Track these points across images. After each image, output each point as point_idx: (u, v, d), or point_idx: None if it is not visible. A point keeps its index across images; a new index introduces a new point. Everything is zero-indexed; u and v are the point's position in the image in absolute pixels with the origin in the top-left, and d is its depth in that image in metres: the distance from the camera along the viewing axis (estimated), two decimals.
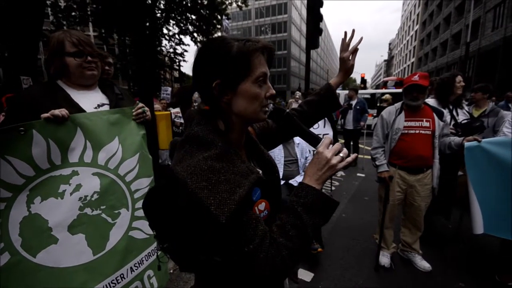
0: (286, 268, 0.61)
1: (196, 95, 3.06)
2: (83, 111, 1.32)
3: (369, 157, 2.71)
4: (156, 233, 0.71)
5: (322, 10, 5.65)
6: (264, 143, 0.92)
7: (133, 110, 1.51)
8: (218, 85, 0.65)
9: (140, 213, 1.46)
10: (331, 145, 0.70)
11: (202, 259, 0.67)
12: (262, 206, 0.70)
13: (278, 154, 2.59)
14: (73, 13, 12.56)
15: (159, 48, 16.70)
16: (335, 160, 0.67)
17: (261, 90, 0.68)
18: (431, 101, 2.78)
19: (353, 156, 0.70)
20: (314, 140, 0.75)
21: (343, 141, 6.51)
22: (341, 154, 0.68)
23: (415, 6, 47.35)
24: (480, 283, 2.27)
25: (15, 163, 1.07)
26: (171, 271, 2.31)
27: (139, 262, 1.44)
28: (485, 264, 2.49)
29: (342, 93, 12.48)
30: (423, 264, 2.44)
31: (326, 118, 3.40)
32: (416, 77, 2.22)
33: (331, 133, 3.38)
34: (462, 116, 2.76)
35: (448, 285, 2.27)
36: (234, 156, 0.66)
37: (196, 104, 3.04)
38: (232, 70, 0.64)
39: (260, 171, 0.80)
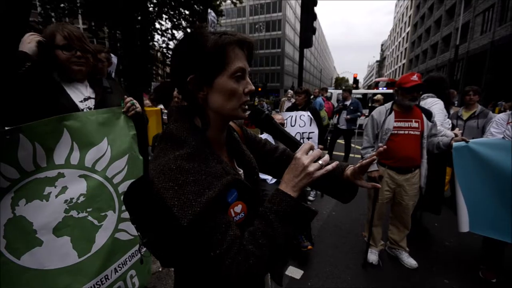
0: (252, 276, 0.59)
1: None
2: (74, 103, 1.32)
3: (360, 156, 2.73)
4: (136, 227, 0.70)
5: (316, 10, 5.67)
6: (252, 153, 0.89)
7: (123, 106, 1.48)
8: (193, 79, 0.63)
9: (126, 214, 1.44)
10: (311, 151, 0.66)
11: (177, 256, 0.67)
12: (238, 208, 0.67)
13: None
14: (61, 5, 12.19)
15: (151, 43, 16.40)
16: (312, 167, 0.63)
17: (238, 86, 0.65)
18: (438, 100, 2.69)
19: (333, 164, 0.66)
20: (293, 145, 0.72)
21: (343, 141, 6.58)
22: (320, 162, 0.64)
23: (407, 8, 48.11)
24: (464, 279, 2.34)
25: (0, 167, 1.05)
26: (160, 269, 2.29)
27: (123, 262, 1.43)
28: (469, 261, 2.56)
29: (334, 92, 12.61)
30: (410, 261, 2.50)
31: (312, 117, 3.41)
32: (415, 77, 2.24)
33: (316, 131, 3.39)
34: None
35: (433, 281, 2.32)
36: (209, 156, 0.64)
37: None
38: (207, 64, 0.61)
39: (242, 171, 0.79)
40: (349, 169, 0.81)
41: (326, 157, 0.66)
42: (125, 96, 1.52)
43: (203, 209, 0.55)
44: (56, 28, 1.30)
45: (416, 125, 2.31)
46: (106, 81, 1.56)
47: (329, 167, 0.65)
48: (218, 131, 0.72)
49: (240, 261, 0.57)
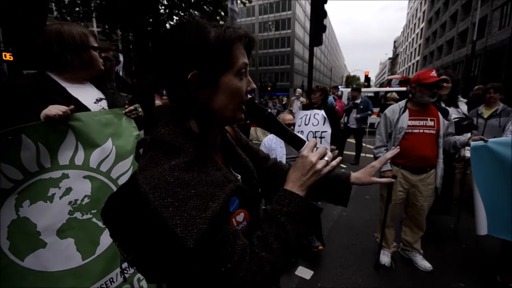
0: (268, 284, 0.55)
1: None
2: (84, 105, 1.29)
3: (372, 155, 2.68)
4: (118, 244, 0.64)
5: (326, 7, 5.58)
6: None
7: (125, 109, 1.48)
8: (195, 77, 0.55)
9: None
10: (315, 148, 0.66)
11: (171, 273, 0.62)
12: (240, 217, 0.62)
13: (280, 151, 2.58)
14: (76, 9, 12.56)
15: None
16: (320, 164, 0.62)
17: (242, 84, 0.60)
18: None
19: (337, 159, 0.67)
20: (297, 143, 0.70)
21: (353, 140, 6.48)
22: (326, 158, 0.64)
23: (421, 3, 46.72)
24: (480, 283, 2.26)
25: (3, 168, 1.04)
26: None
27: (129, 266, 1.41)
28: (486, 264, 2.47)
29: (345, 90, 12.42)
30: (424, 264, 2.43)
31: (325, 116, 3.36)
32: (434, 73, 2.19)
33: (329, 130, 3.35)
34: (454, 115, 2.72)
35: (448, 285, 2.25)
36: (208, 163, 0.58)
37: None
38: (211, 60, 0.55)
39: (239, 176, 0.73)
40: (354, 175, 0.83)
41: (329, 153, 0.66)
42: (127, 101, 1.54)
43: (208, 225, 0.49)
44: (84, 29, 1.32)
45: (431, 123, 2.24)
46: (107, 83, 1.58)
47: (334, 162, 0.66)
48: (215, 134, 0.67)
49: (255, 271, 0.53)
